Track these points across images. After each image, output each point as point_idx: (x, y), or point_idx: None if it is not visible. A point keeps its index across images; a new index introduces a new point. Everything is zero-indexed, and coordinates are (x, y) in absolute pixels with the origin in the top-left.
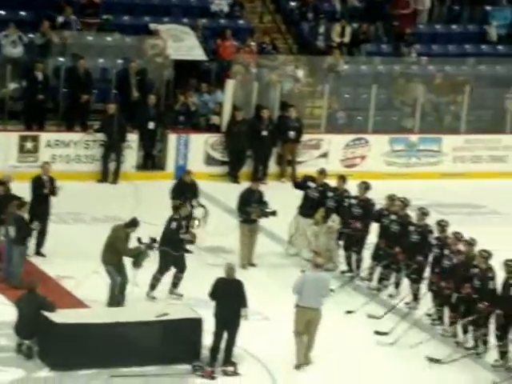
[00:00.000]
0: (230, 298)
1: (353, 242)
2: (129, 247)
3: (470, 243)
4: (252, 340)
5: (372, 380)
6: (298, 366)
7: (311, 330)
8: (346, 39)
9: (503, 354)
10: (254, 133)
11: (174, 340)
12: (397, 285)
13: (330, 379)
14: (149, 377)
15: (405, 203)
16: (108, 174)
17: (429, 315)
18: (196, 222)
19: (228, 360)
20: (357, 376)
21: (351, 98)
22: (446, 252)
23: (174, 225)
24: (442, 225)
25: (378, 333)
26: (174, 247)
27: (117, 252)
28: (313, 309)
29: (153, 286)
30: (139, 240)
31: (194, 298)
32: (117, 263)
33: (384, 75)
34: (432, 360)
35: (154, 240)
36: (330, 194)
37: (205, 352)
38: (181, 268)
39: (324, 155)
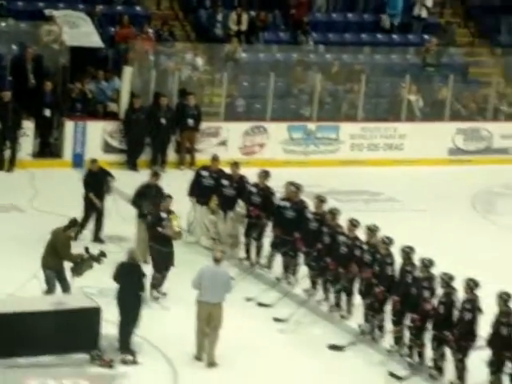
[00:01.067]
0: (129, 281)
1: (252, 229)
2: (70, 252)
3: (373, 230)
4: (152, 329)
5: (274, 368)
6: (197, 358)
7: (213, 326)
8: (243, 27)
9: (398, 340)
10: (152, 120)
11: (71, 329)
12: (294, 271)
13: (232, 371)
14: (46, 367)
15: (299, 189)
16: (3, 162)
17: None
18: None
19: (126, 347)
20: (259, 365)
21: (250, 86)
22: (342, 238)
23: (149, 219)
24: (333, 213)
25: (277, 319)
26: (161, 243)
27: (58, 256)
28: (212, 304)
29: (153, 286)
30: (86, 249)
31: (95, 287)
32: (57, 268)
33: (282, 63)
34: (334, 347)
35: (102, 254)
36: (226, 182)
37: (103, 341)
38: (168, 265)
39: (223, 143)
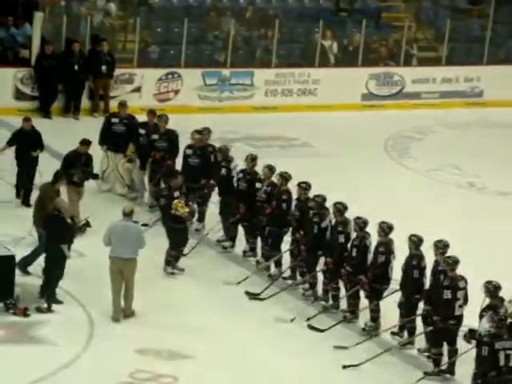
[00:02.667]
0: (52, 231)
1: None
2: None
3: (305, 188)
4: (72, 280)
5: (191, 326)
6: (115, 319)
7: (127, 281)
8: None
9: (313, 285)
10: (64, 67)
11: None
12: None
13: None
14: None
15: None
16: None
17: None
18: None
19: (48, 295)
20: (177, 321)
21: (163, 32)
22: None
23: (162, 201)
24: (252, 158)
25: (248, 293)
26: (174, 221)
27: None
28: (123, 259)
29: (168, 262)
30: (72, 218)
31: (9, 236)
32: None
33: (195, 9)
34: (312, 328)
35: (87, 223)
36: (142, 130)
37: (17, 289)
38: (182, 241)
39: (137, 90)
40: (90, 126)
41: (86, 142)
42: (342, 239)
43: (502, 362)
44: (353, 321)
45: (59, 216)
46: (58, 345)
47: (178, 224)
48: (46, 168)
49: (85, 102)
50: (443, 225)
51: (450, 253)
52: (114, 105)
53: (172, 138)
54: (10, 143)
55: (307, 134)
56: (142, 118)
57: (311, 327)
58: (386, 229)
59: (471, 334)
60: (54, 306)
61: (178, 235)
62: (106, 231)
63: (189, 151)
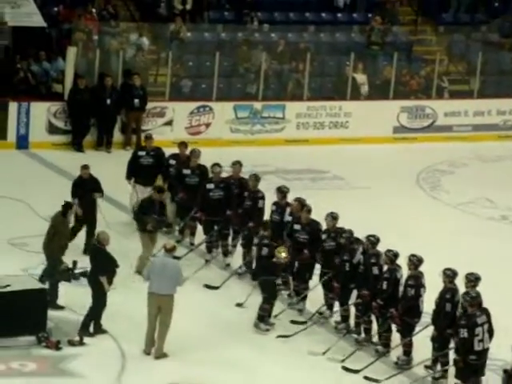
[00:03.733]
0: (93, 264)
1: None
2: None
3: (334, 217)
4: (108, 315)
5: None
6: (146, 352)
7: (162, 318)
8: (188, 6)
9: (345, 318)
10: (97, 101)
11: (17, 311)
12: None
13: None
14: None
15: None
16: None
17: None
18: None
19: (85, 329)
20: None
21: (195, 66)
22: (288, 218)
23: (265, 251)
24: (283, 191)
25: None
26: (270, 272)
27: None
28: (161, 295)
29: (261, 318)
30: (74, 263)
31: (41, 269)
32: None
33: (227, 42)
34: (348, 370)
35: (84, 274)
36: (172, 161)
37: (50, 323)
38: (275, 294)
39: (169, 123)
40: (122, 160)
41: (160, 190)
42: (376, 271)
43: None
44: (385, 355)
45: (101, 248)
46: (90, 377)
47: (273, 276)
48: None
49: (117, 136)
50: (476, 258)
51: (482, 288)
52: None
53: (204, 172)
54: (73, 195)
55: (338, 166)
56: (173, 151)
57: (346, 369)
58: (415, 262)
59: (507, 375)
60: (87, 340)
61: (274, 288)
62: (148, 266)
63: (210, 185)
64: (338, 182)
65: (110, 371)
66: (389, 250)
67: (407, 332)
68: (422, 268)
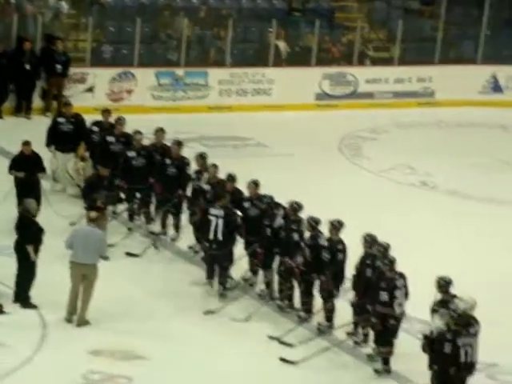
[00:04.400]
0: (22, 233)
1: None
2: None
3: (256, 184)
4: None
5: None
6: (67, 320)
7: (86, 287)
8: None
9: (268, 284)
10: (15, 66)
11: None
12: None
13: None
14: None
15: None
16: None
17: (190, 247)
18: None
19: (19, 298)
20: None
21: (116, 31)
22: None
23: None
24: (202, 157)
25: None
26: None
27: None
28: (84, 264)
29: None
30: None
31: None
32: None
33: (148, 8)
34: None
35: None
36: (95, 128)
37: None
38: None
39: (90, 89)
40: (42, 126)
41: (106, 167)
42: (296, 237)
43: (462, 359)
44: (307, 321)
45: (27, 217)
46: (10, 346)
47: None
48: None
49: (37, 102)
50: (396, 223)
51: (398, 253)
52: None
53: (129, 140)
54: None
55: (261, 133)
56: (95, 118)
57: (282, 343)
58: (338, 227)
59: (428, 341)
60: (8, 308)
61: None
62: (70, 235)
63: (131, 153)
64: (261, 149)
65: (31, 340)
66: (310, 217)
67: (332, 297)
68: (342, 233)
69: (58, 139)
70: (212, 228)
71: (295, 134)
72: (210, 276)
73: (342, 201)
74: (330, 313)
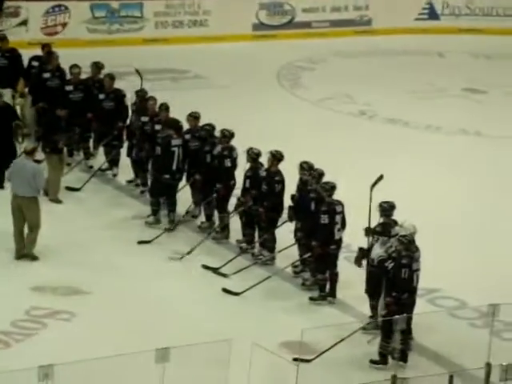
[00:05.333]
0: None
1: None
2: None
3: (196, 117)
4: None
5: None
6: (16, 257)
7: (28, 221)
8: None
9: (208, 217)
10: None
11: None
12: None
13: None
14: None
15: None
16: None
17: (129, 181)
18: None
19: None
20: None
21: None
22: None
23: None
24: (138, 94)
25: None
26: None
27: None
28: (20, 197)
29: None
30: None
31: None
32: None
33: None
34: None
35: None
36: (35, 63)
37: None
38: None
39: (23, 23)
40: None
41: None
42: (228, 163)
43: (415, 283)
44: (247, 251)
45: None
46: None
47: None
48: None
49: None
50: (334, 152)
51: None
52: None
53: (63, 74)
54: None
55: (199, 65)
56: (29, 52)
57: (226, 291)
58: (278, 157)
59: (363, 253)
60: None
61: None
62: (10, 167)
63: (69, 87)
64: (198, 81)
65: None
66: (250, 148)
67: (272, 227)
68: (281, 164)
69: None
70: (175, 158)
71: (233, 65)
72: (157, 210)
73: (281, 131)
74: (270, 243)
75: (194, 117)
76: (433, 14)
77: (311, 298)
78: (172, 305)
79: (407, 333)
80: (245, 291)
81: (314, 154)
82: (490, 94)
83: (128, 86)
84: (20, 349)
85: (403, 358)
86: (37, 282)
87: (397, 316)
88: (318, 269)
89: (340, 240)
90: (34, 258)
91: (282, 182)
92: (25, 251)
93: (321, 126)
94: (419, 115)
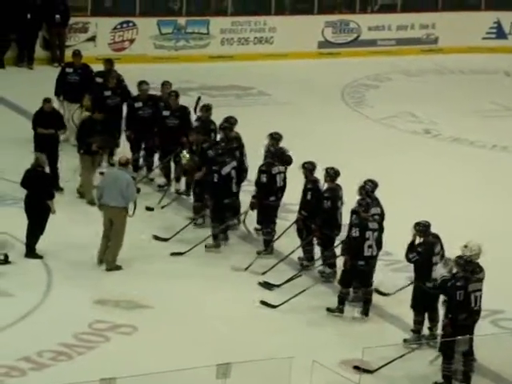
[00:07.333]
0: (35, 187)
1: None
2: None
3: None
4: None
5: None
6: (98, 263)
7: (114, 231)
8: None
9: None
10: (16, 16)
11: None
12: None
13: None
14: None
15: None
16: None
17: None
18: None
19: (31, 251)
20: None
21: None
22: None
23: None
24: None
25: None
26: None
27: None
28: (111, 207)
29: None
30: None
31: None
32: None
33: None
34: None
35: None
36: (99, 79)
37: None
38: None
39: (92, 39)
40: (44, 76)
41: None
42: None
43: (472, 304)
44: (310, 268)
45: (43, 171)
46: (16, 296)
47: None
48: (2, 118)
49: (38, 52)
50: (399, 171)
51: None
52: (68, 54)
53: (124, 93)
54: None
55: (263, 82)
56: (97, 68)
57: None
58: (332, 174)
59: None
60: (13, 258)
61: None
62: (101, 179)
63: (138, 104)
64: (263, 98)
65: (37, 289)
66: (307, 162)
67: (328, 244)
68: (340, 181)
69: (66, 89)
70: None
71: (297, 83)
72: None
73: (344, 148)
74: (329, 260)
75: (273, 138)
76: (500, 33)
77: (328, 309)
78: (232, 319)
79: (469, 354)
80: (282, 304)
81: (377, 171)
82: None
83: (192, 103)
84: (82, 362)
85: (466, 379)
86: (99, 294)
87: (459, 337)
88: (342, 282)
89: (371, 257)
90: (118, 268)
91: (330, 198)
92: (108, 263)
93: (384, 143)
94: (485, 135)
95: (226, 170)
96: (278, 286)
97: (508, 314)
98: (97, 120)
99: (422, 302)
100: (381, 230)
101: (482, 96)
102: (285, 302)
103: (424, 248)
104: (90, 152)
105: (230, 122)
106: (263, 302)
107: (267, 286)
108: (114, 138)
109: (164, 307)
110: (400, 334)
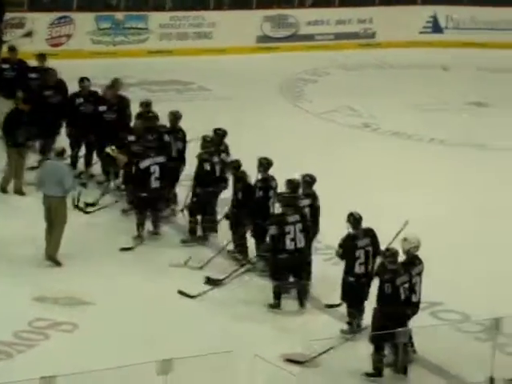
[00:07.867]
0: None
1: None
2: None
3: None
4: None
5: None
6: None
7: (55, 223)
8: None
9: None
10: None
11: None
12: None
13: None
14: None
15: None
16: None
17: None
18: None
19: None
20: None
21: None
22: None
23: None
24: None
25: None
26: None
27: None
28: (49, 196)
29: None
30: None
31: None
32: None
33: None
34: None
35: None
36: (33, 75)
37: None
38: None
39: (28, 34)
40: None
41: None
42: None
43: (402, 297)
44: (239, 258)
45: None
46: None
47: None
48: None
49: None
50: (339, 164)
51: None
52: (4, 49)
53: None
54: None
55: (203, 77)
56: (34, 64)
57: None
58: (265, 164)
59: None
60: None
61: None
62: (39, 169)
63: (79, 100)
64: (203, 93)
65: None
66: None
67: (262, 236)
68: (277, 173)
69: (2, 85)
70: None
71: (237, 78)
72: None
73: (284, 142)
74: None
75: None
76: (437, 28)
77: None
78: (175, 316)
79: (405, 345)
80: (199, 295)
81: (316, 165)
82: (493, 108)
83: (132, 98)
84: (22, 360)
85: (403, 370)
86: (39, 292)
87: (400, 329)
88: (273, 276)
89: (296, 250)
90: (58, 264)
91: (263, 188)
92: (50, 256)
93: (324, 138)
94: (423, 128)
95: (144, 163)
96: (222, 280)
97: (447, 306)
98: (23, 111)
99: (349, 295)
100: (315, 221)
101: (420, 90)
102: (203, 292)
103: (346, 241)
104: (17, 144)
105: (176, 116)
106: (181, 292)
107: (213, 282)
108: (44, 130)
109: (105, 304)
110: (339, 325)
